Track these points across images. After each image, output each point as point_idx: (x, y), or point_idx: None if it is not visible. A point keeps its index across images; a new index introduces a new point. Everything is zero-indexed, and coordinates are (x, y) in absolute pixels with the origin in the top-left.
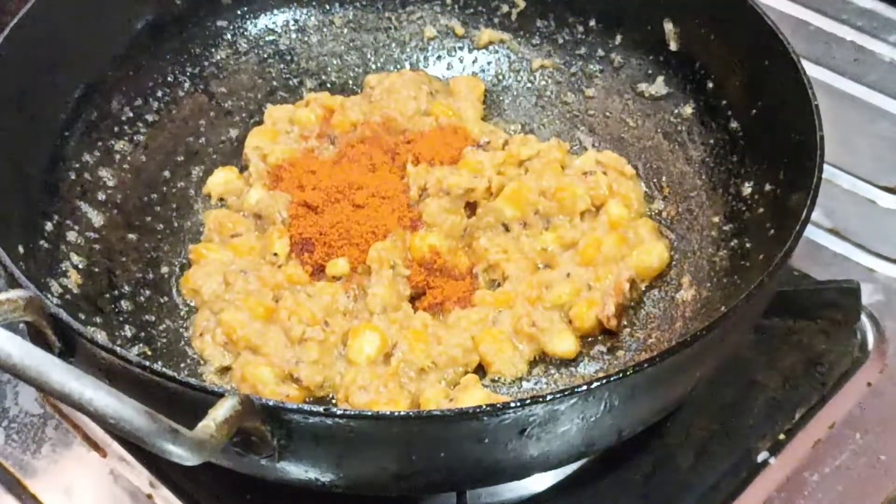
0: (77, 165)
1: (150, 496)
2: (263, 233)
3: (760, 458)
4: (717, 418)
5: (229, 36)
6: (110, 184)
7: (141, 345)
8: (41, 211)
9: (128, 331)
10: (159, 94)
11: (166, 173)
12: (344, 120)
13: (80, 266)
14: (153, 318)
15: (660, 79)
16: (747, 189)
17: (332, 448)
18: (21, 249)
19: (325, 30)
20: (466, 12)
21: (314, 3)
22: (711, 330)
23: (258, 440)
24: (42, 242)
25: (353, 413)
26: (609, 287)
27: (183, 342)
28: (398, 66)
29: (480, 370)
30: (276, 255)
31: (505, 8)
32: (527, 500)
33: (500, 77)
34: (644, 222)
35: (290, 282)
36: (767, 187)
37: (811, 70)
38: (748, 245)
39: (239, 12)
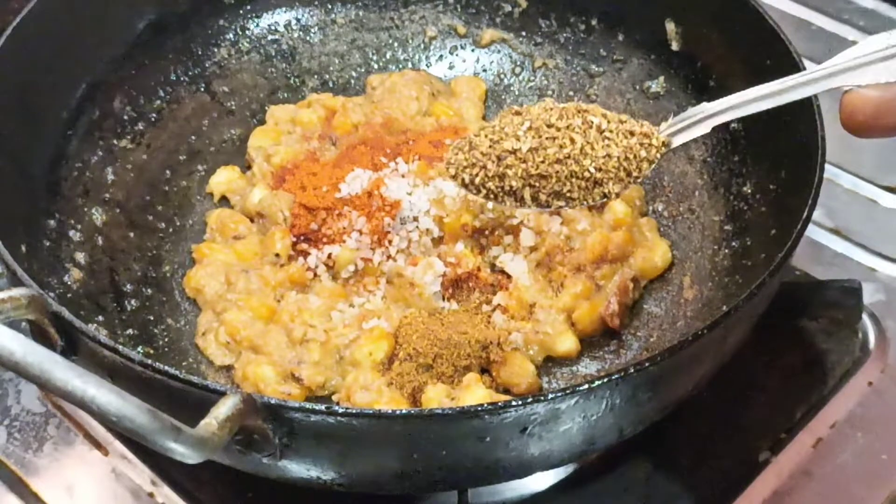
0: (79, 164)
1: (151, 494)
2: (265, 233)
3: (761, 457)
4: (718, 417)
5: (231, 35)
6: (112, 182)
7: (143, 343)
8: (43, 209)
9: (130, 329)
10: (161, 93)
11: (168, 172)
12: (345, 121)
13: (82, 264)
14: (155, 317)
15: (661, 78)
16: (748, 188)
17: (333, 446)
18: (23, 248)
19: (326, 29)
20: (469, 11)
21: (316, 3)
22: (713, 329)
23: (260, 438)
24: (44, 241)
25: (354, 411)
26: (613, 286)
27: (185, 340)
28: (400, 66)
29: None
30: (277, 255)
31: (507, 7)
32: (528, 498)
33: (502, 76)
34: (646, 221)
35: (292, 282)
36: (769, 187)
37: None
38: (749, 244)
39: (241, 11)
